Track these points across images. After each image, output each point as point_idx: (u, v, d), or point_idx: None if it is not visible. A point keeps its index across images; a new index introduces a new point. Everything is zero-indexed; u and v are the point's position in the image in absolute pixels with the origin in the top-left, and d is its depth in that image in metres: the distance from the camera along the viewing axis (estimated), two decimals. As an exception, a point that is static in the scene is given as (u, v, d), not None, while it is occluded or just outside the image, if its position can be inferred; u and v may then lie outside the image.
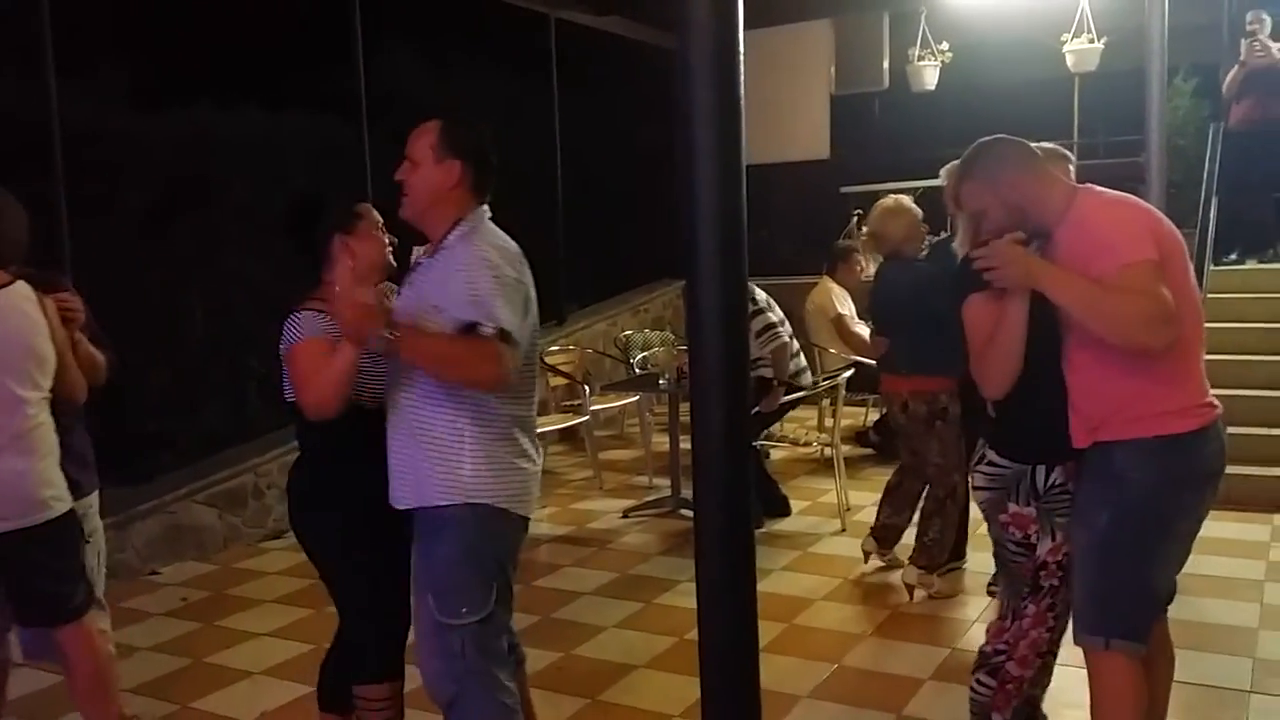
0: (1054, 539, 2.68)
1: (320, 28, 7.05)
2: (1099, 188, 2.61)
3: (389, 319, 2.46)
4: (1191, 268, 2.59)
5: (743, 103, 1.72)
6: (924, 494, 4.72)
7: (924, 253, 4.63)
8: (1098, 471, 2.57)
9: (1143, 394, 2.48)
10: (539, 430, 2.84)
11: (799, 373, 5.92)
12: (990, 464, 2.74)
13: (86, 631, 3.08)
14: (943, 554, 4.61)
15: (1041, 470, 2.67)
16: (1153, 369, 2.46)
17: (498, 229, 2.64)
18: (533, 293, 2.61)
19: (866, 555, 5.00)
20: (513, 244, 2.61)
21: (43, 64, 5.18)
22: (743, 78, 1.72)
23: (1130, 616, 2.55)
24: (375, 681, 2.82)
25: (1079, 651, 2.63)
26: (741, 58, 1.71)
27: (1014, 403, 2.65)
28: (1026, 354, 2.55)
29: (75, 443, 3.23)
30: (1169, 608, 2.75)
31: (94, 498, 3.36)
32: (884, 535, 4.93)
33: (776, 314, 5.84)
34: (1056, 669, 2.84)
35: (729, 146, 1.71)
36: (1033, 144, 2.70)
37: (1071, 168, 3.11)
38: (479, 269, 2.46)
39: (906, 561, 4.71)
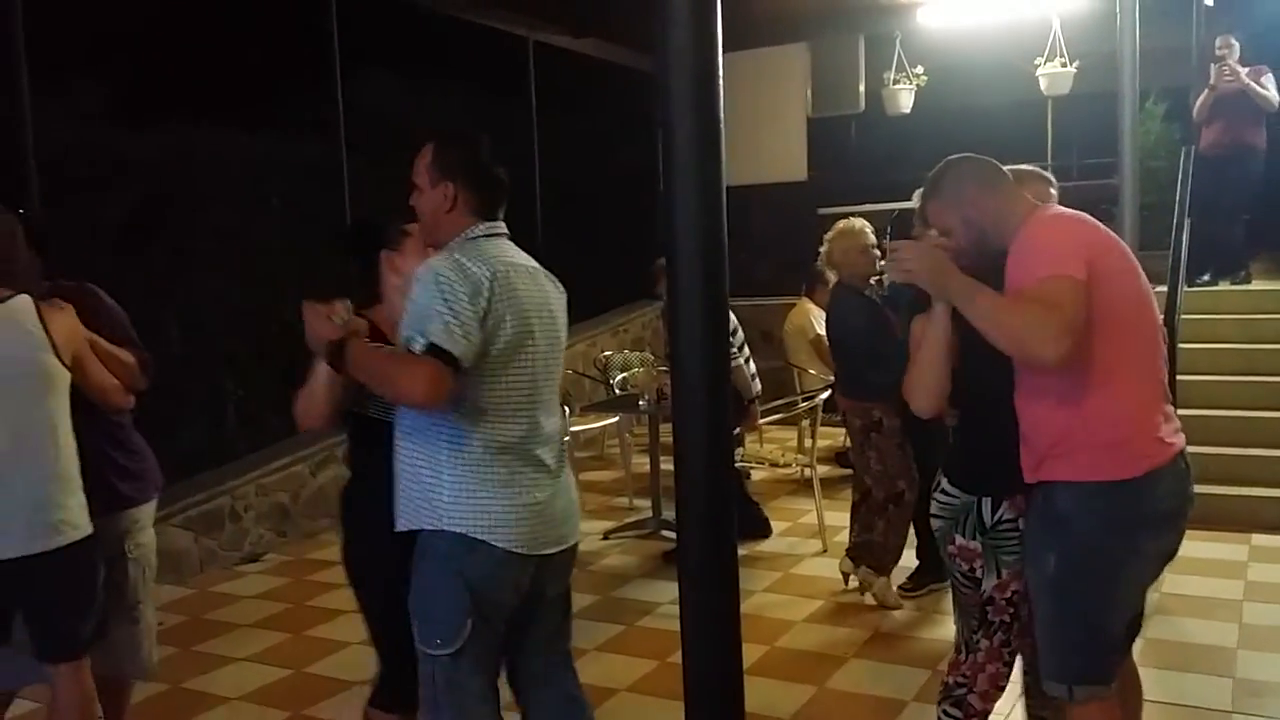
0: (999, 576, 2.61)
1: (299, 49, 7.04)
2: (1056, 207, 2.56)
3: (349, 334, 2.44)
4: (1147, 289, 2.50)
5: (722, 125, 1.73)
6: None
7: (878, 277, 4.74)
8: (1042, 512, 2.50)
9: (1086, 420, 2.38)
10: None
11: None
12: (944, 492, 2.68)
13: (82, 674, 2.90)
14: (886, 555, 4.75)
15: (988, 503, 2.60)
16: (1097, 392, 2.37)
17: (495, 245, 2.52)
18: (521, 313, 2.49)
19: (846, 576, 5.00)
20: (494, 264, 2.45)
21: (17, 77, 5.14)
22: (722, 100, 1.73)
23: (1090, 660, 2.49)
24: (384, 710, 2.80)
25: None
26: (721, 80, 1.72)
27: (967, 431, 2.63)
28: (979, 381, 2.51)
29: (117, 452, 3.11)
30: (1142, 630, 2.69)
31: (142, 510, 3.19)
32: (860, 554, 4.94)
33: (737, 336, 5.84)
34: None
35: (709, 168, 1.72)
36: (1014, 166, 2.66)
37: (1054, 190, 3.08)
38: (425, 282, 2.35)
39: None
